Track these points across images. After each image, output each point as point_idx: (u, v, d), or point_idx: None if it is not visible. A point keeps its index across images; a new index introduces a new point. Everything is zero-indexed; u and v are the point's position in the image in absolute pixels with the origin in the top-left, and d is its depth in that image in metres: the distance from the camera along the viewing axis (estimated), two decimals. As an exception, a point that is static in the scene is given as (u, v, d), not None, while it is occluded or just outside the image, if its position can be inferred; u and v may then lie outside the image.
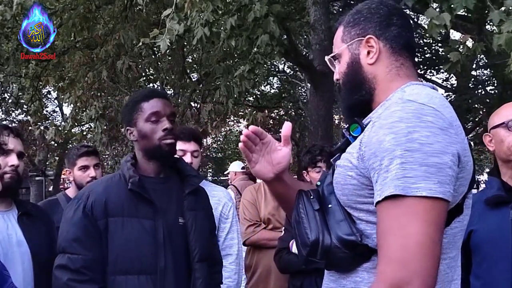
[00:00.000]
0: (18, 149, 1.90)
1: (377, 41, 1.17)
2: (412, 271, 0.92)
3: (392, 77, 1.16)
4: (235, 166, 6.51)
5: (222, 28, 4.35)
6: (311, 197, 1.17)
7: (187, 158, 2.39)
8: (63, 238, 1.67)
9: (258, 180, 3.21)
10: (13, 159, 1.85)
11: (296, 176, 4.29)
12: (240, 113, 12.28)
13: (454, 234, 1.06)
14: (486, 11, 2.99)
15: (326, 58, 1.30)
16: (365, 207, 1.07)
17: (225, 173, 6.46)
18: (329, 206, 1.13)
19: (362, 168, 1.05)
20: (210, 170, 20.49)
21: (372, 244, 1.04)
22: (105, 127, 7.29)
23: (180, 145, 2.40)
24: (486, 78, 13.14)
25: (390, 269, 0.94)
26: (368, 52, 1.18)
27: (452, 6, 2.83)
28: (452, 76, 13.17)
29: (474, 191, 1.26)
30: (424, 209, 0.94)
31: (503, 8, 2.89)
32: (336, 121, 13.02)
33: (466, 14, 3.78)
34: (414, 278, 0.92)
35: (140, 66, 8.68)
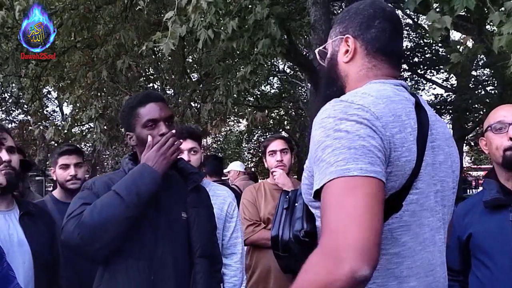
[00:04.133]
0: (6, 144, 1.84)
1: (354, 41, 1.22)
2: (346, 240, 0.91)
3: (360, 78, 1.21)
4: (237, 166, 6.50)
5: (222, 28, 4.35)
6: (287, 196, 1.26)
7: (184, 156, 2.40)
8: (68, 209, 1.69)
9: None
10: (3, 155, 1.80)
11: (296, 176, 4.30)
12: (240, 113, 12.28)
13: (392, 230, 1.05)
14: (486, 11, 2.99)
15: (316, 50, 1.36)
16: (317, 204, 1.08)
17: (225, 171, 6.46)
18: (296, 204, 1.21)
19: (311, 168, 1.09)
20: (210, 170, 20.54)
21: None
22: (105, 127, 7.29)
23: None
24: (486, 78, 13.15)
25: (326, 238, 0.94)
26: (346, 51, 1.23)
27: (453, 7, 2.83)
28: (452, 76, 13.18)
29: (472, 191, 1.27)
30: (359, 185, 0.95)
31: (503, 9, 2.89)
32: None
33: (466, 14, 3.78)
34: (348, 247, 0.90)
35: (140, 66, 8.68)
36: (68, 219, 1.62)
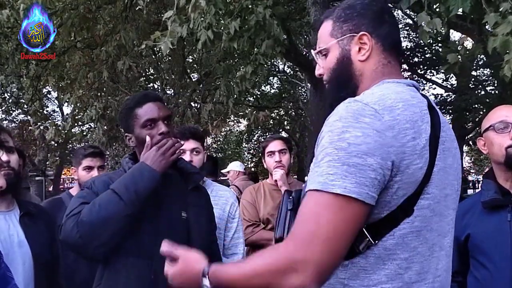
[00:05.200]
0: (5, 145, 1.83)
1: (370, 38, 1.17)
2: (307, 257, 0.95)
3: (376, 75, 1.17)
4: (237, 166, 6.50)
5: (222, 28, 4.35)
6: (290, 197, 1.25)
7: (186, 157, 2.40)
8: (68, 208, 1.69)
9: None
10: (2, 156, 1.78)
11: (296, 176, 4.30)
12: (240, 113, 12.29)
13: (403, 235, 1.05)
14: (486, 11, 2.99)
15: (313, 52, 1.29)
16: None
17: (224, 171, 6.47)
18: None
19: None
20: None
21: None
22: (105, 128, 7.29)
23: None
24: (486, 78, 13.14)
25: (291, 245, 0.98)
26: (360, 49, 1.18)
27: (448, 7, 2.83)
28: (452, 76, 13.16)
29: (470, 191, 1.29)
30: (337, 205, 0.97)
31: (500, 9, 2.89)
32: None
33: (464, 14, 3.78)
34: (306, 264, 0.95)
35: (140, 66, 8.69)
36: (67, 217, 1.62)
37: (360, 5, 1.20)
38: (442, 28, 2.93)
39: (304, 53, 8.51)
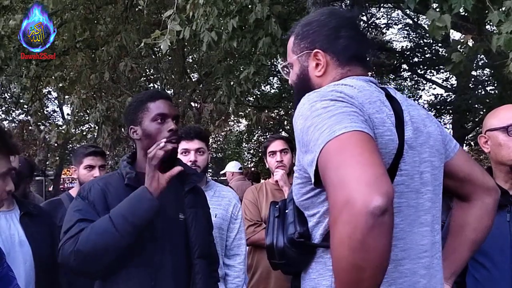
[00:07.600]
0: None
1: (324, 54, 1.23)
2: (350, 184, 0.88)
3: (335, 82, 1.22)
4: (232, 167, 6.51)
5: (222, 28, 4.36)
6: (276, 205, 1.30)
7: (191, 157, 2.40)
8: (65, 222, 1.68)
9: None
10: None
11: (296, 176, 4.28)
12: (240, 113, 12.28)
13: None
14: (486, 11, 2.99)
15: (279, 66, 1.39)
16: (310, 201, 1.13)
17: (221, 172, 6.49)
18: (286, 211, 1.23)
19: (301, 166, 1.12)
20: (210, 170, 20.51)
21: (315, 240, 1.14)
22: (110, 130, 7.27)
23: (183, 144, 2.40)
24: (486, 78, 13.14)
25: (332, 195, 0.91)
26: (317, 65, 1.25)
27: (451, 5, 2.83)
28: (452, 76, 13.18)
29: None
30: (348, 138, 0.94)
31: (502, 9, 2.89)
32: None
33: (465, 14, 3.79)
34: (353, 188, 0.87)
35: (140, 67, 8.68)
36: (65, 239, 1.61)
37: (316, 22, 1.27)
38: (448, 27, 2.90)
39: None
